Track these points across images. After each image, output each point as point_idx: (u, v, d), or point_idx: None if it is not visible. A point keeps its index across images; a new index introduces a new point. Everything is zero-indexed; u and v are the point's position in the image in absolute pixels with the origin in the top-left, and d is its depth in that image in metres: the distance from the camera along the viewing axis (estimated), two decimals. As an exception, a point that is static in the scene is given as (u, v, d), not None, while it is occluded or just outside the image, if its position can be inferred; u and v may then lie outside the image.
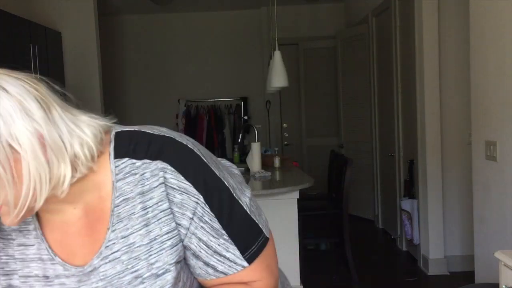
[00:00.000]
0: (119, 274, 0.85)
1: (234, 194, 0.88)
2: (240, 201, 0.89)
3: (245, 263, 0.88)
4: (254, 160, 3.86)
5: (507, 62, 2.29)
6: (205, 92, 6.60)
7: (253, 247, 0.89)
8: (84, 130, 0.82)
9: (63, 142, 0.79)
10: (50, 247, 0.88)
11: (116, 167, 0.85)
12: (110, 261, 0.85)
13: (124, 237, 0.85)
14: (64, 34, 4.89)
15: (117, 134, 0.88)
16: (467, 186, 3.46)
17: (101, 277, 0.86)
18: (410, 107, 4.13)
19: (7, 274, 0.89)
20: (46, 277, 0.87)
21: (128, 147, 0.86)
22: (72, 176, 0.80)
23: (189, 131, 6.40)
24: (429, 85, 3.79)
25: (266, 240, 0.91)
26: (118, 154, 0.86)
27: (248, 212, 0.89)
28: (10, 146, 0.74)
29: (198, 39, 6.59)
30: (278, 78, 4.07)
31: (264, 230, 0.91)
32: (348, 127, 5.95)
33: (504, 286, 1.74)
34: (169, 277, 0.85)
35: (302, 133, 6.60)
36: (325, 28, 6.45)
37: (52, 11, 4.87)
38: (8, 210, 0.78)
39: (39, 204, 0.79)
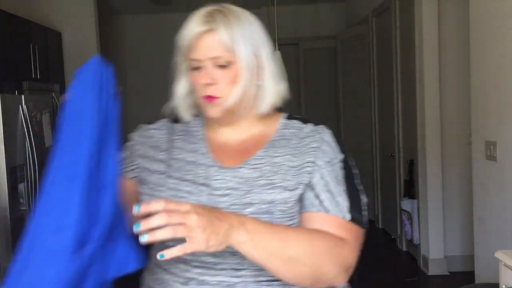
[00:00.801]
0: (255, 178, 1.03)
1: (358, 181, 1.08)
2: (360, 188, 1.08)
3: (348, 216, 1.02)
4: (254, 160, 3.85)
5: (507, 62, 2.29)
6: (205, 92, 6.58)
7: (356, 214, 1.03)
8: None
9: (277, 74, 1.09)
10: (208, 147, 1.10)
11: (284, 122, 1.13)
12: (252, 168, 1.05)
13: (272, 157, 1.06)
14: (64, 34, 4.90)
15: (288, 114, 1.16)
16: (467, 186, 3.46)
17: (238, 176, 1.04)
18: (410, 107, 4.13)
19: (161, 162, 1.11)
20: (195, 163, 1.08)
21: (299, 117, 1.14)
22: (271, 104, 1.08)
23: (189, 131, 6.39)
24: (429, 85, 3.79)
25: (363, 226, 1.05)
26: (289, 117, 1.14)
27: (362, 198, 1.07)
28: (257, 55, 1.05)
29: (198, 39, 6.57)
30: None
31: (364, 220, 1.06)
32: (348, 127, 5.95)
33: (504, 286, 1.74)
34: (296, 193, 1.02)
35: (302, 133, 6.59)
36: (325, 28, 6.45)
37: (52, 11, 4.87)
38: (226, 102, 1.03)
39: (248, 111, 1.07)
